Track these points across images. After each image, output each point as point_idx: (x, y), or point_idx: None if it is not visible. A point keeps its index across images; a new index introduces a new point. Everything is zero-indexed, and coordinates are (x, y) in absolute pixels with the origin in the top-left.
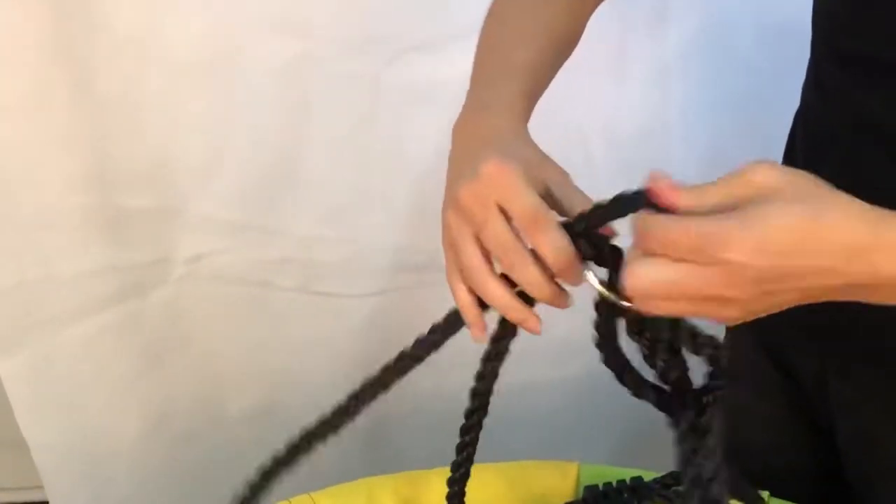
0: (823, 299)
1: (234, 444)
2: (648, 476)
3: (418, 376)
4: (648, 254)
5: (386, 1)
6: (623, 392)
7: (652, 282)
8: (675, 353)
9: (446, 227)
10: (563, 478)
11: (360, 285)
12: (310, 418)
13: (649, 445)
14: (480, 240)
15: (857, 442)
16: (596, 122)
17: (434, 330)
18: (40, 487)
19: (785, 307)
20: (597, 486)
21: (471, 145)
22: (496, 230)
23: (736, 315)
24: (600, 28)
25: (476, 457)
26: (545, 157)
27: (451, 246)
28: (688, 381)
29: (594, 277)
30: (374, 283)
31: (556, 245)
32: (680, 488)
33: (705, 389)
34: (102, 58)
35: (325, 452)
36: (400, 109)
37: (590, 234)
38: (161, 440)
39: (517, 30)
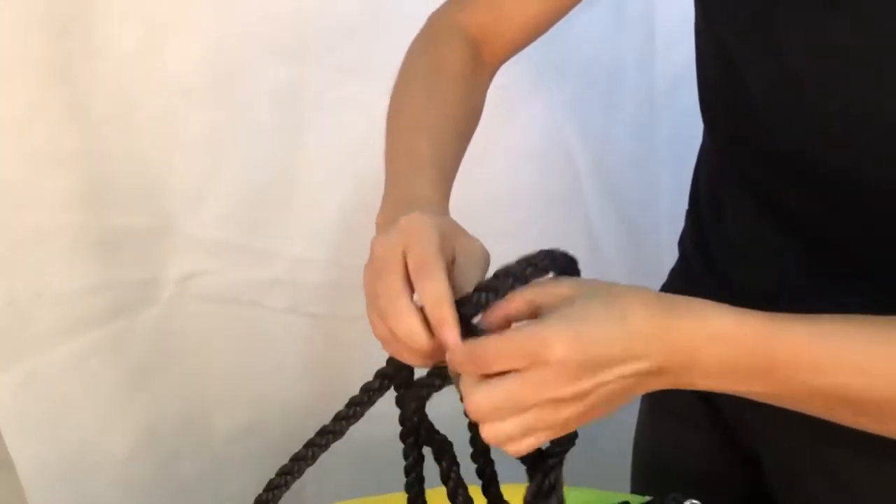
0: (651, 388)
1: (221, 464)
2: (635, 501)
3: None
4: (482, 376)
5: (383, 28)
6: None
7: (489, 400)
8: None
9: (364, 290)
10: None
11: (350, 307)
12: (297, 439)
13: (616, 469)
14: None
15: (780, 472)
16: (585, 150)
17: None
18: None
19: (619, 401)
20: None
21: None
22: (388, 277)
23: (574, 415)
24: (589, 62)
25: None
26: (466, 233)
27: (368, 308)
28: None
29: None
30: (364, 306)
31: (434, 293)
32: None
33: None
34: (99, 78)
35: (313, 475)
36: None
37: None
38: (148, 459)
39: (414, 126)
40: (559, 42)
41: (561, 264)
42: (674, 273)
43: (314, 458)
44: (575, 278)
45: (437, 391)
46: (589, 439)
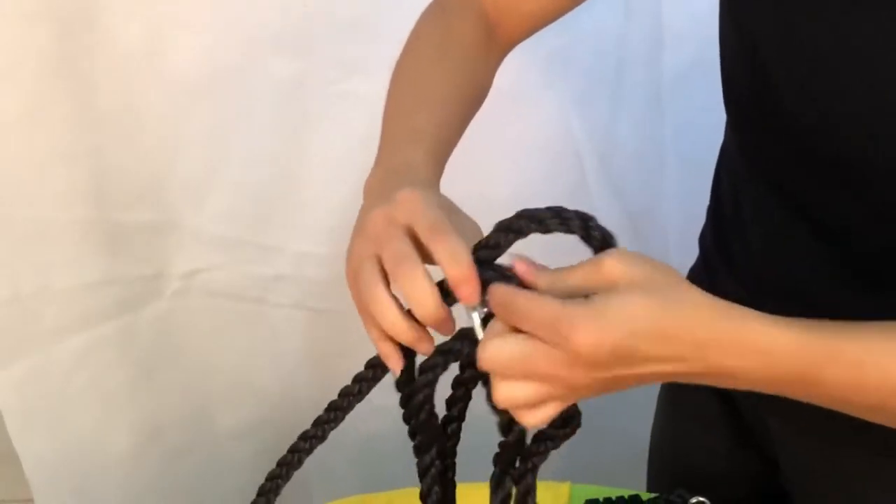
0: (671, 381)
1: (225, 459)
2: (645, 496)
3: None
4: (506, 326)
5: (386, 23)
6: (602, 411)
7: (503, 355)
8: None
9: (349, 258)
10: (556, 498)
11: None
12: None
13: (622, 466)
14: (381, 260)
15: (799, 474)
16: (591, 146)
17: (359, 379)
18: (30, 500)
19: (632, 386)
20: (597, 499)
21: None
22: (397, 244)
23: (588, 393)
24: (597, 56)
25: (461, 476)
26: (460, 210)
27: (353, 274)
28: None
29: (478, 318)
30: None
31: (453, 250)
32: None
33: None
34: (103, 73)
35: (315, 470)
36: None
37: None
38: (152, 454)
39: (418, 93)
40: (566, 36)
41: (579, 229)
42: (694, 270)
43: (300, 463)
44: (632, 259)
45: (443, 371)
46: (599, 439)
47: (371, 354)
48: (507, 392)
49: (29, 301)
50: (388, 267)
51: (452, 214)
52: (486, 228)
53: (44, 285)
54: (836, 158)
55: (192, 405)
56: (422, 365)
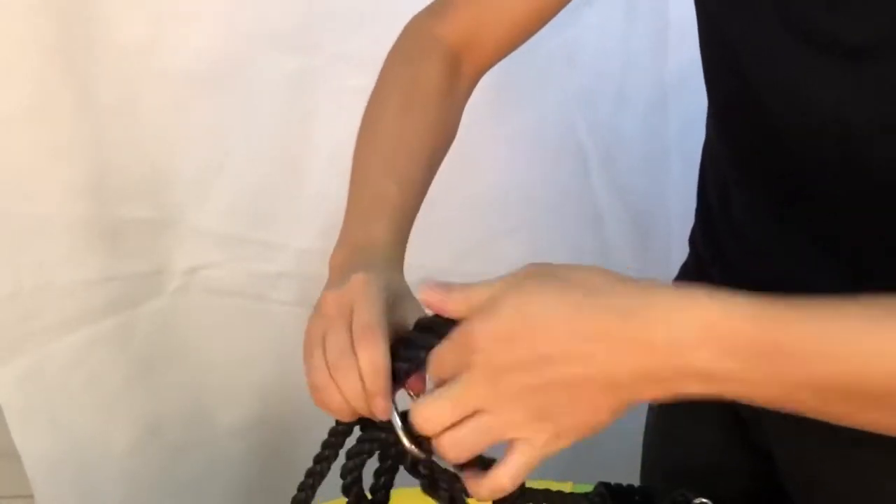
0: (637, 396)
1: (225, 456)
2: None
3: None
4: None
5: (390, 19)
6: None
7: (431, 406)
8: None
9: (307, 334)
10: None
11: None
12: (301, 432)
13: (624, 465)
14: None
15: (794, 467)
16: (595, 144)
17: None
18: (30, 496)
19: (589, 407)
20: (609, 482)
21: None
22: (339, 336)
23: (512, 418)
24: (601, 53)
25: None
26: (415, 299)
27: (308, 351)
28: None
29: (397, 419)
30: None
31: (373, 361)
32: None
33: None
34: (104, 68)
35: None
36: None
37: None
38: (152, 451)
39: (384, 155)
40: (570, 34)
41: None
42: (684, 268)
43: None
44: (538, 263)
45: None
46: (601, 437)
47: None
48: (451, 440)
49: (29, 297)
50: (328, 357)
51: (398, 302)
52: (486, 228)
53: (44, 281)
54: (815, 147)
55: (192, 402)
56: (348, 451)
